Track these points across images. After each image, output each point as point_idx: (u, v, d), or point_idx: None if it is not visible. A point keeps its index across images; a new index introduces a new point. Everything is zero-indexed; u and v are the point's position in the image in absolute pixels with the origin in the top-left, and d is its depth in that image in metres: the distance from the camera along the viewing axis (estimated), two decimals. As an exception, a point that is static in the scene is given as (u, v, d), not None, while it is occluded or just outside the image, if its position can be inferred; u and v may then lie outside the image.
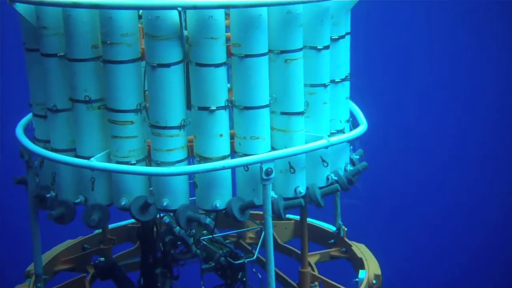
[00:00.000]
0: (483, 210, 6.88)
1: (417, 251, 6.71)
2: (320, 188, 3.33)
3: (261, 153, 3.13)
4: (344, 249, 4.19)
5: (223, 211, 3.14)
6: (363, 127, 3.56)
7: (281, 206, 3.18)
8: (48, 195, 3.29)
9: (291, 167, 3.21)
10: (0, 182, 4.43)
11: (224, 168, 3.05)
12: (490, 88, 6.84)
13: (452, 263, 6.75)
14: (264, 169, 3.08)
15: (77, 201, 3.21)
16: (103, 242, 4.13)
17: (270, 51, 3.13)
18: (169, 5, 2.88)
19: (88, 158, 3.11)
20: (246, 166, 3.12)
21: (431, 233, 6.82)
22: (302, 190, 3.26)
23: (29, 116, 3.52)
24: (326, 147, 3.28)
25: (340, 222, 4.20)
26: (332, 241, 4.25)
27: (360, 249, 4.10)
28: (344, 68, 3.47)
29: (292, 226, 4.44)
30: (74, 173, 3.21)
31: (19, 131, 3.47)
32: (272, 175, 3.10)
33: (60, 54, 3.14)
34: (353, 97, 3.67)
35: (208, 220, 3.08)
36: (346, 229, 4.23)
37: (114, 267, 3.93)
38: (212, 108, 3.04)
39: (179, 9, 2.87)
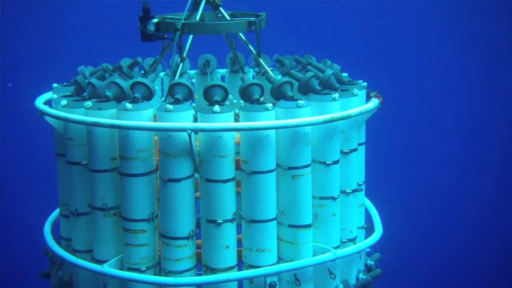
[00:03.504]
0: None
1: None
2: None
3: (266, 265, 3.22)
4: None
5: None
6: (375, 235, 3.61)
7: None
8: None
9: (296, 279, 3.29)
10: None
11: (228, 280, 3.16)
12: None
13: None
14: (267, 282, 3.17)
15: None
16: None
17: (278, 166, 3.26)
18: (179, 128, 3.06)
19: (103, 262, 3.29)
20: (250, 279, 3.22)
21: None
22: None
23: (57, 212, 3.76)
24: (333, 260, 3.34)
25: None
26: None
27: None
28: (355, 178, 3.55)
29: None
30: (89, 275, 3.39)
31: (47, 229, 3.70)
32: None
33: (83, 163, 3.36)
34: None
35: None
36: None
37: None
38: (219, 221, 3.17)
39: (188, 131, 3.04)
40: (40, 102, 3.59)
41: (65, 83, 3.80)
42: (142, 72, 3.92)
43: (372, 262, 3.77)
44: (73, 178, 3.41)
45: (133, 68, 3.95)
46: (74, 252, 3.45)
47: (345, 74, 3.89)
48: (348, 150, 3.46)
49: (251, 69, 4.03)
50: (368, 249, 3.86)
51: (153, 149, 3.23)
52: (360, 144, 3.59)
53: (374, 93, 3.71)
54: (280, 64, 3.97)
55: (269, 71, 3.65)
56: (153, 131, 3.13)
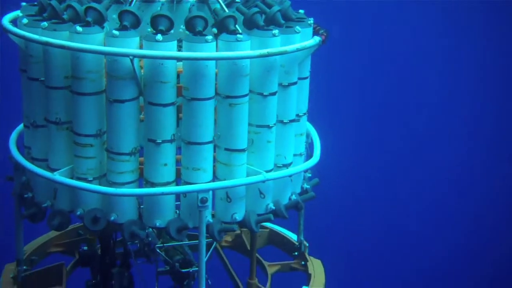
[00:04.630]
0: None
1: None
2: (259, 215, 3.74)
3: (200, 182, 3.55)
4: (303, 262, 4.60)
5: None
6: (309, 162, 3.92)
7: (215, 229, 3.61)
8: (25, 195, 3.85)
9: (228, 197, 3.62)
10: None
11: (163, 193, 3.50)
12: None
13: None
14: (199, 198, 3.51)
15: (44, 205, 3.75)
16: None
17: (217, 94, 3.53)
18: (122, 52, 3.31)
19: (56, 170, 3.63)
20: (184, 194, 3.56)
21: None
22: (237, 217, 3.67)
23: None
24: (263, 181, 3.66)
25: (302, 238, 4.59)
26: (295, 253, 4.66)
27: (314, 265, 4.49)
28: (294, 109, 3.81)
29: (266, 234, 4.86)
30: (44, 181, 3.73)
31: (13, 137, 4.03)
32: (207, 203, 3.53)
33: (42, 79, 3.64)
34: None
35: (142, 234, 3.52)
36: (307, 244, 4.62)
37: (94, 257, 4.49)
38: (158, 141, 3.47)
39: (131, 57, 3.30)
40: (7, 19, 3.84)
41: (35, 3, 4.03)
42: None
43: (308, 186, 4.09)
44: (32, 93, 3.70)
45: None
46: (32, 160, 3.79)
47: (301, 11, 4.09)
48: (287, 84, 3.71)
49: None
50: (308, 174, 4.18)
51: (102, 71, 3.49)
52: (302, 78, 3.84)
53: (322, 31, 3.92)
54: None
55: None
56: (98, 54, 3.38)
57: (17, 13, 3.95)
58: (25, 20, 3.61)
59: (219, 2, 3.88)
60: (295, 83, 3.75)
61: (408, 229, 7.07)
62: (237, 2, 4.24)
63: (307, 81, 3.91)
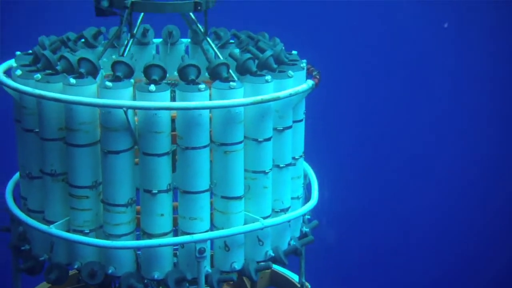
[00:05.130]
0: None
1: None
2: (258, 262, 3.70)
3: (198, 232, 3.51)
4: None
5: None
6: (307, 205, 3.89)
7: (214, 280, 3.56)
8: (23, 248, 3.82)
9: (226, 245, 3.59)
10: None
11: (160, 245, 3.46)
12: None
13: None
14: (197, 248, 3.47)
15: (41, 259, 3.71)
16: None
17: (212, 141, 3.51)
18: (116, 104, 3.30)
19: (52, 222, 3.59)
20: (181, 244, 3.52)
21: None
22: (236, 266, 3.62)
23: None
24: (261, 229, 3.62)
25: (304, 280, 4.54)
26: None
27: None
28: (290, 153, 3.79)
29: (267, 275, 4.81)
30: (41, 233, 3.70)
31: (10, 187, 4.01)
32: (205, 254, 3.49)
33: (36, 130, 3.63)
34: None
35: (140, 287, 3.49)
36: (309, 286, 4.56)
37: None
38: (154, 192, 3.45)
39: (124, 109, 3.29)
40: (1, 69, 3.84)
41: (30, 51, 4.04)
42: (105, 41, 4.16)
43: (307, 229, 4.05)
44: (27, 144, 3.69)
45: (98, 38, 4.18)
46: (28, 211, 3.77)
47: (294, 52, 4.09)
48: (281, 128, 3.69)
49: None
50: (307, 216, 4.14)
51: (96, 122, 3.48)
52: (297, 121, 3.82)
53: (315, 73, 3.91)
54: (237, 39, 4.19)
55: (216, 51, 3.84)
56: (92, 106, 3.38)
57: (12, 62, 3.96)
58: (18, 72, 3.61)
59: (211, 46, 3.88)
60: (290, 127, 3.73)
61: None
62: (231, 42, 4.27)
63: (302, 123, 3.90)
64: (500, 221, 7.22)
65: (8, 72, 3.85)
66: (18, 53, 4.00)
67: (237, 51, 4.19)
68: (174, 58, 4.29)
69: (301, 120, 3.88)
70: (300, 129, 3.89)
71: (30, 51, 3.98)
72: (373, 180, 6.97)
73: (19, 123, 3.78)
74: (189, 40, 4.33)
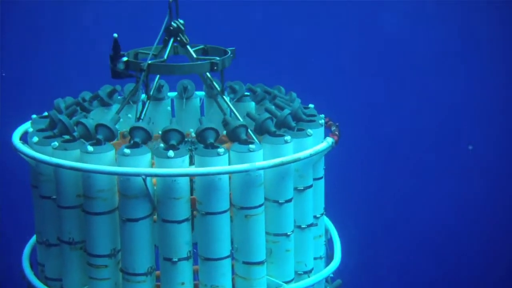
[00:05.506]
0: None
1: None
2: None
3: None
4: None
5: None
6: (330, 267, 3.79)
7: None
8: None
9: None
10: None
11: None
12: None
13: None
14: None
15: None
16: None
17: (232, 205, 3.43)
18: (134, 172, 3.25)
19: None
20: None
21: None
22: None
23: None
24: None
25: None
26: None
27: None
28: (311, 212, 3.70)
29: None
30: None
31: (26, 253, 3.94)
32: None
33: (53, 197, 3.57)
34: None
35: None
36: None
37: None
38: (174, 260, 3.36)
39: (143, 176, 3.23)
40: (17, 134, 3.81)
41: (45, 113, 4.00)
42: (121, 97, 4.13)
43: None
44: (44, 211, 3.63)
45: (112, 96, 4.15)
46: (46, 279, 3.69)
47: (311, 106, 4.03)
48: (302, 188, 3.62)
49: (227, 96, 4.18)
50: (331, 275, 4.03)
51: (114, 189, 3.42)
52: (317, 179, 3.75)
53: (334, 128, 3.85)
54: (252, 93, 4.15)
55: (232, 109, 3.79)
56: (110, 174, 3.32)
57: (28, 125, 3.92)
58: (35, 139, 3.57)
59: (227, 103, 3.83)
60: (310, 186, 3.66)
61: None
62: (247, 95, 4.22)
63: (322, 181, 3.82)
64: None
65: (24, 137, 3.83)
66: (33, 116, 3.97)
67: (252, 104, 4.16)
68: (189, 112, 4.25)
69: (321, 178, 3.80)
70: (320, 186, 3.82)
71: (46, 114, 3.96)
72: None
73: (35, 189, 3.73)
74: (203, 93, 4.30)
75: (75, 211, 3.49)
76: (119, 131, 3.65)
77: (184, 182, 3.32)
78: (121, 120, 3.84)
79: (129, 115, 4.09)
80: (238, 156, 3.37)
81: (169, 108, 4.30)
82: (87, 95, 4.10)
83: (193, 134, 3.73)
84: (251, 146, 3.37)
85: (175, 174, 3.26)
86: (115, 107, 4.11)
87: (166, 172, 3.25)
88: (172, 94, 4.33)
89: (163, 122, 4.24)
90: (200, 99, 4.34)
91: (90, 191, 3.38)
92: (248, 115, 3.70)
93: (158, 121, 4.16)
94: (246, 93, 4.24)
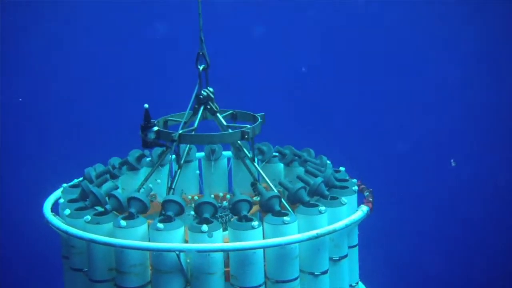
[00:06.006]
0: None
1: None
2: None
3: None
4: None
5: None
6: None
7: None
8: None
9: None
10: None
11: None
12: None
13: None
14: None
15: None
16: None
17: (267, 278, 3.37)
18: (167, 248, 3.21)
19: None
20: None
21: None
22: None
23: None
24: None
25: None
26: None
27: None
28: (347, 282, 3.63)
29: None
30: None
31: None
32: None
33: (85, 270, 3.54)
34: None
35: None
36: None
37: None
38: None
39: (176, 252, 3.19)
40: (48, 207, 3.78)
41: (75, 180, 3.99)
42: (149, 159, 4.12)
43: None
44: (76, 284, 3.60)
45: (141, 161, 4.14)
46: None
47: (342, 169, 3.99)
48: (338, 258, 3.55)
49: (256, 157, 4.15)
50: None
51: (147, 263, 3.38)
52: (352, 247, 3.68)
53: (367, 194, 3.80)
54: (281, 155, 4.12)
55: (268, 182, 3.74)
56: (145, 250, 3.29)
57: (58, 194, 3.91)
58: (67, 211, 3.55)
59: (256, 168, 3.79)
60: (345, 255, 3.59)
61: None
62: (275, 155, 4.18)
63: (356, 248, 3.75)
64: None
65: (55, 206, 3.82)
66: (64, 185, 3.96)
67: (281, 166, 4.13)
68: (217, 173, 4.23)
69: (355, 245, 3.74)
70: (355, 254, 3.75)
71: (76, 181, 3.95)
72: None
73: (66, 260, 3.70)
74: (230, 153, 4.27)
75: (107, 285, 3.45)
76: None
77: (218, 257, 3.27)
78: (150, 185, 3.83)
79: (158, 181, 4.08)
80: (272, 229, 3.32)
81: (197, 171, 4.28)
82: (116, 161, 4.09)
83: (223, 197, 3.68)
84: (285, 218, 3.32)
85: (209, 250, 3.21)
86: (144, 170, 4.10)
87: (200, 248, 3.21)
88: (200, 154, 4.33)
89: (192, 184, 4.24)
90: (227, 160, 4.32)
91: (122, 266, 3.34)
92: (281, 184, 3.66)
93: (187, 183, 4.16)
94: (274, 154, 4.21)
